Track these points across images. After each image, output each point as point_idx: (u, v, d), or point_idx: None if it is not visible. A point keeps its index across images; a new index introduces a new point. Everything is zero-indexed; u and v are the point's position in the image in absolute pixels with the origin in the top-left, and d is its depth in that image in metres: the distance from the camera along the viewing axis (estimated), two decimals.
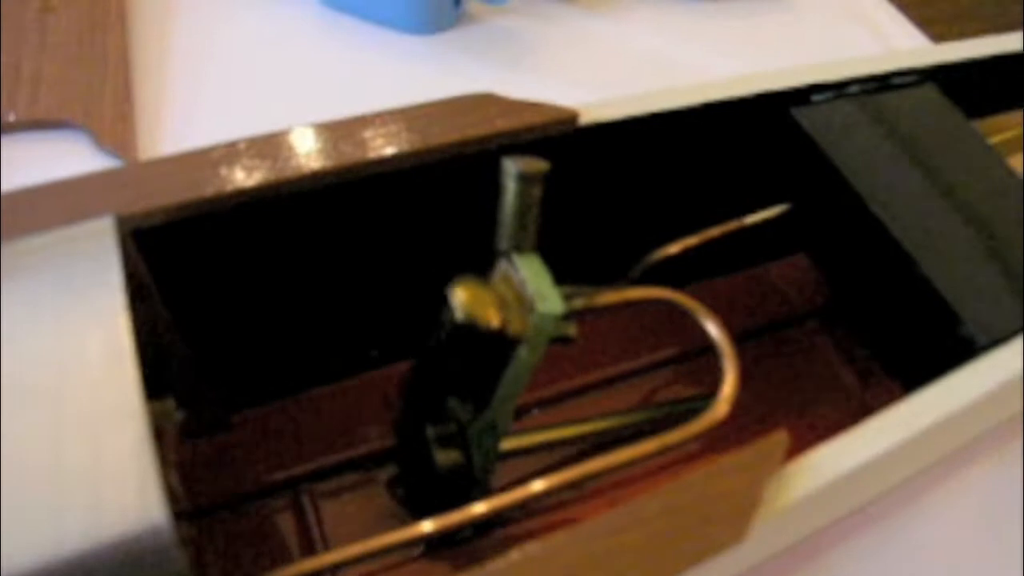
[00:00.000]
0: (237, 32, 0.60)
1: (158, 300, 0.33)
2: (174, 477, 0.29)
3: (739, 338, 0.42)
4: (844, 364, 0.45)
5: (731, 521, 0.26)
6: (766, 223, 0.43)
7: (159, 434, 0.27)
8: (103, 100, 0.54)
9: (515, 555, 0.25)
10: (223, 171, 0.33)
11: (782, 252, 0.49)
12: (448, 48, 0.61)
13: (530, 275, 0.30)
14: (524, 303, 0.30)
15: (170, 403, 0.29)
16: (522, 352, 0.30)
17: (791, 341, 0.46)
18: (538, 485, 0.29)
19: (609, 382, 0.43)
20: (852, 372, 0.45)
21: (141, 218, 0.32)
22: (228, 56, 0.58)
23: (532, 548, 0.25)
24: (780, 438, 0.28)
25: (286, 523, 0.38)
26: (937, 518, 0.40)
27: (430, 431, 0.36)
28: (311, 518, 0.38)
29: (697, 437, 0.31)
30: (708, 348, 0.44)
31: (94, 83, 0.54)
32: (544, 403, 0.42)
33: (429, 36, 0.61)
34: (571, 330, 0.32)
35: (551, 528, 0.38)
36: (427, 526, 0.29)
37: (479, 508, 0.29)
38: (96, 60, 0.56)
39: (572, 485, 0.30)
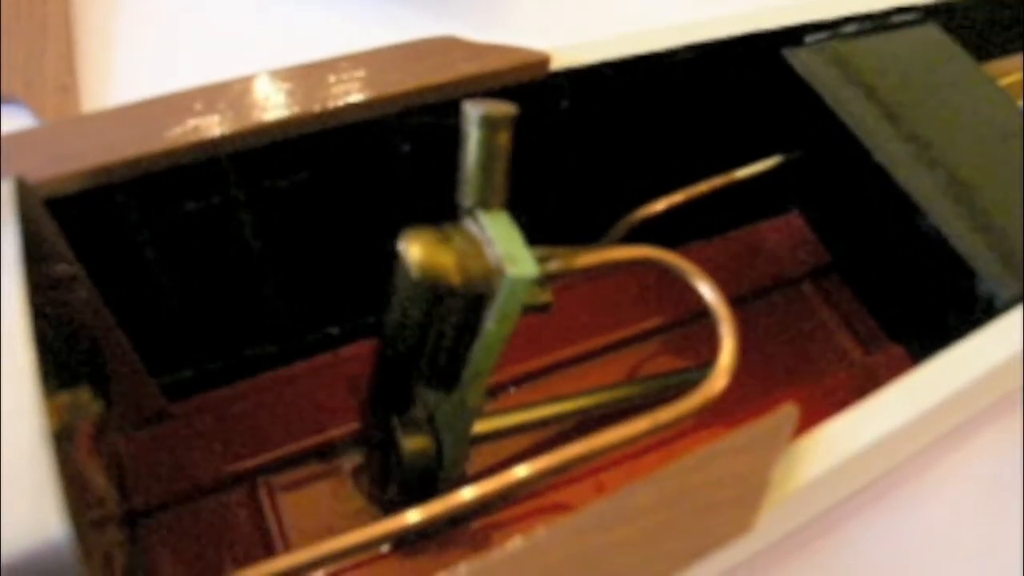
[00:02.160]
0: None
1: (83, 276, 0.29)
2: (99, 478, 0.26)
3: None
4: (843, 329, 0.42)
5: (737, 509, 0.23)
6: (756, 178, 0.39)
7: (68, 431, 0.24)
8: (43, 71, 0.50)
9: (494, 556, 0.22)
10: (157, 128, 0.29)
11: (772, 211, 0.45)
12: None
13: (498, 234, 0.26)
14: (491, 266, 0.26)
15: (84, 394, 0.26)
16: (492, 323, 0.27)
17: (785, 306, 0.43)
18: (519, 472, 0.26)
19: (591, 355, 0.40)
20: (852, 337, 0.42)
21: (57, 183, 0.28)
22: (177, 18, 0.55)
23: (513, 547, 0.22)
24: (788, 412, 0.25)
25: (242, 520, 0.34)
26: (940, 492, 0.38)
27: (395, 417, 0.33)
28: (269, 513, 0.35)
29: (693, 413, 0.27)
30: (700, 315, 0.41)
31: (33, 53, 0.51)
32: (520, 380, 0.39)
33: None
34: (546, 297, 0.28)
35: (531, 517, 0.34)
36: (398, 521, 0.25)
37: (455, 500, 0.25)
38: (35, 28, 0.52)
39: (557, 471, 0.26)
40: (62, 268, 0.28)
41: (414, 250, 0.26)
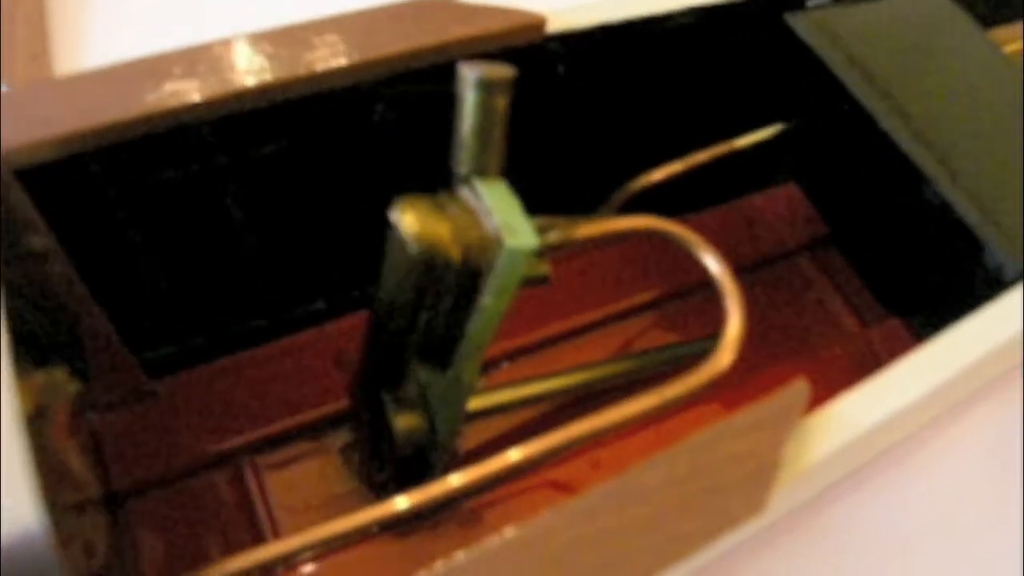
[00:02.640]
0: None
1: (57, 249, 0.28)
2: (77, 461, 0.24)
3: None
4: (842, 302, 0.42)
5: (748, 489, 0.22)
6: (752, 148, 0.38)
7: (44, 413, 0.22)
8: (13, 38, 0.49)
9: (497, 541, 0.20)
10: (134, 93, 0.28)
11: (768, 181, 0.44)
12: None
13: (496, 204, 0.25)
14: (489, 237, 0.25)
15: (60, 373, 0.24)
16: (489, 296, 0.25)
17: (782, 279, 0.42)
18: (516, 455, 0.25)
19: (586, 329, 0.39)
20: (851, 310, 0.41)
21: (28, 151, 0.26)
22: None
23: (518, 531, 0.21)
24: (800, 389, 0.24)
25: (228, 500, 0.33)
26: (941, 465, 0.37)
27: (386, 394, 0.31)
28: (255, 494, 0.34)
29: (701, 389, 0.26)
30: (696, 287, 0.40)
31: (3, 20, 0.49)
32: (514, 354, 0.38)
33: None
34: (545, 268, 0.27)
35: (525, 495, 0.34)
36: (389, 507, 0.24)
37: (447, 485, 0.24)
38: None
39: (557, 452, 0.25)
40: (35, 241, 0.27)
41: (409, 220, 0.25)
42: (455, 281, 0.26)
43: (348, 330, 0.37)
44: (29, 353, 0.22)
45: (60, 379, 0.24)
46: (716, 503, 0.22)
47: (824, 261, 0.43)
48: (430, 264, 0.25)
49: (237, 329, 0.36)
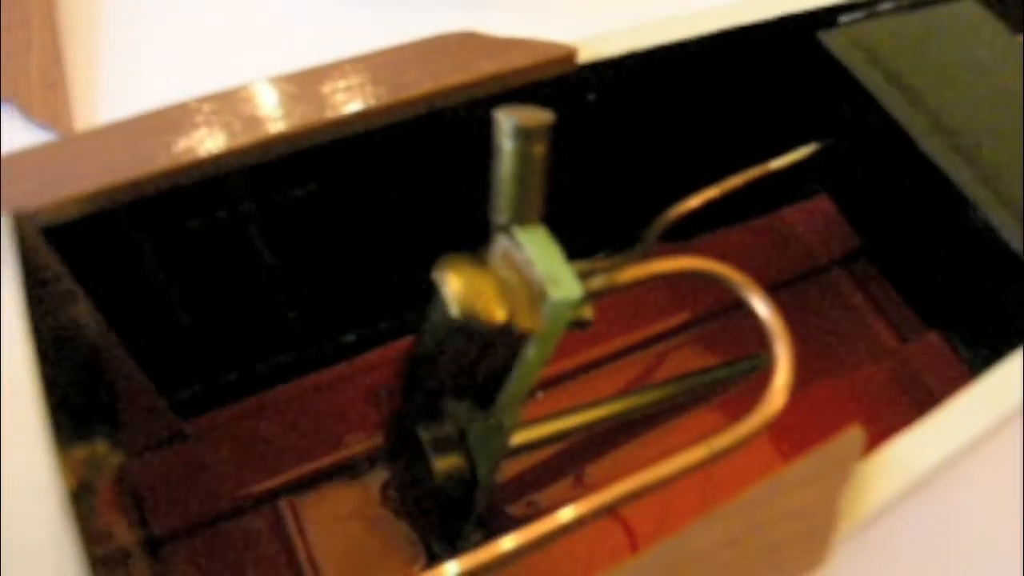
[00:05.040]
0: None
1: (84, 300, 0.27)
2: (123, 529, 0.24)
3: None
4: (877, 317, 0.41)
5: (806, 544, 0.22)
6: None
7: (88, 488, 0.22)
8: (29, 67, 0.48)
9: None
10: (158, 146, 0.27)
11: (799, 195, 0.44)
12: None
13: (537, 253, 0.24)
14: (532, 288, 0.24)
15: (101, 446, 0.24)
16: (533, 349, 0.25)
17: (816, 294, 0.42)
18: (567, 514, 0.24)
19: (623, 353, 0.38)
20: (887, 325, 0.40)
21: (56, 210, 0.26)
22: (164, 6, 0.52)
23: None
24: (855, 436, 0.23)
25: (267, 542, 0.33)
26: (975, 483, 0.36)
27: (424, 433, 0.31)
28: (294, 534, 0.33)
29: (751, 437, 0.26)
30: (727, 309, 0.40)
31: (18, 48, 0.49)
32: (548, 384, 0.37)
33: None
34: (588, 313, 0.27)
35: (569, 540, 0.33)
36: (443, 572, 0.24)
37: (507, 544, 0.24)
38: (18, 22, 0.50)
39: (608, 509, 0.25)
40: (61, 294, 0.26)
41: (453, 285, 0.24)
42: (499, 337, 0.25)
43: (377, 364, 0.37)
44: (69, 427, 0.22)
45: (102, 451, 0.24)
46: (772, 561, 0.21)
47: (859, 275, 0.42)
48: (473, 326, 0.24)
49: (267, 366, 0.36)
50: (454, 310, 0.24)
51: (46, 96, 0.48)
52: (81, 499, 0.20)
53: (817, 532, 0.22)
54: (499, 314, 0.24)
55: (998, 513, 0.35)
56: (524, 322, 0.24)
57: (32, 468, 0.17)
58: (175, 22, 0.51)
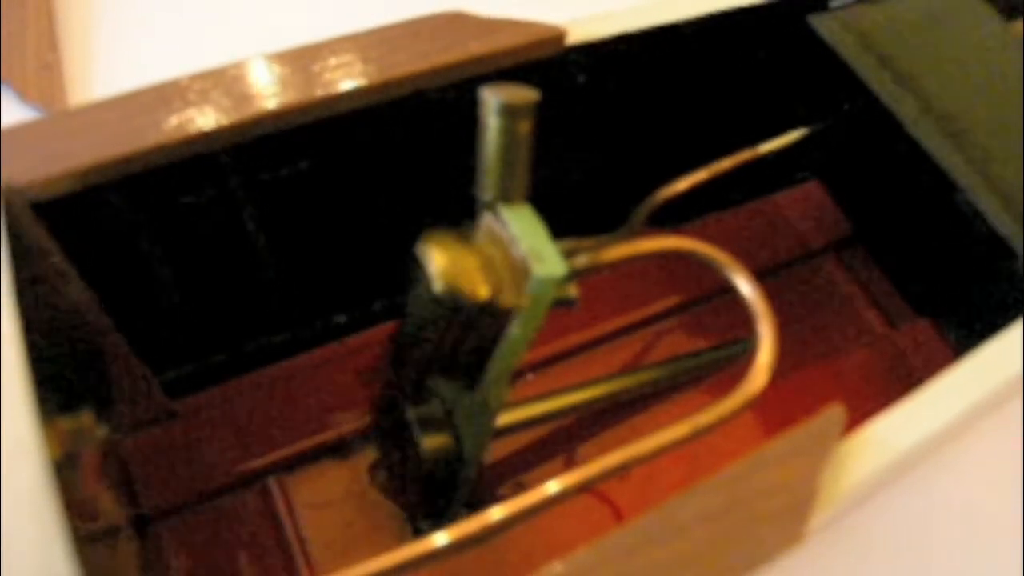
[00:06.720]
0: None
1: (74, 276, 0.27)
2: (107, 501, 0.24)
3: None
4: (866, 302, 0.41)
5: (787, 518, 0.22)
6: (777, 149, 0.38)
7: (72, 459, 0.22)
8: (24, 49, 0.48)
9: None
10: (149, 122, 0.27)
11: (791, 180, 0.44)
12: None
13: (522, 230, 0.25)
14: (516, 265, 0.25)
15: (87, 418, 0.24)
16: (517, 326, 0.25)
17: (806, 280, 0.42)
18: (554, 487, 0.25)
19: (608, 337, 0.39)
20: (876, 311, 0.41)
21: (46, 185, 0.26)
22: None
23: (552, 569, 0.20)
24: (836, 414, 0.23)
25: (256, 520, 0.33)
26: (958, 470, 0.37)
27: (411, 412, 0.31)
28: (283, 513, 0.34)
29: (734, 415, 0.26)
30: (718, 291, 0.40)
31: (13, 31, 0.49)
32: (539, 365, 0.38)
33: None
34: (573, 292, 0.27)
35: (557, 519, 0.33)
36: (426, 544, 0.24)
37: (484, 519, 0.24)
38: (14, 3, 0.50)
39: (592, 483, 0.25)
40: (51, 269, 0.27)
41: (436, 260, 0.24)
42: (483, 314, 0.25)
43: (367, 344, 0.37)
44: (56, 400, 0.22)
45: (87, 423, 0.24)
46: (752, 536, 0.22)
47: (849, 261, 0.42)
48: (457, 302, 0.24)
49: (257, 345, 0.36)
50: (438, 286, 0.24)
51: (40, 78, 0.48)
52: (65, 468, 0.20)
53: (797, 508, 0.22)
54: (483, 290, 0.24)
55: (977, 503, 0.36)
56: (508, 299, 0.24)
57: (15, 430, 0.18)
58: (169, 3, 0.51)
